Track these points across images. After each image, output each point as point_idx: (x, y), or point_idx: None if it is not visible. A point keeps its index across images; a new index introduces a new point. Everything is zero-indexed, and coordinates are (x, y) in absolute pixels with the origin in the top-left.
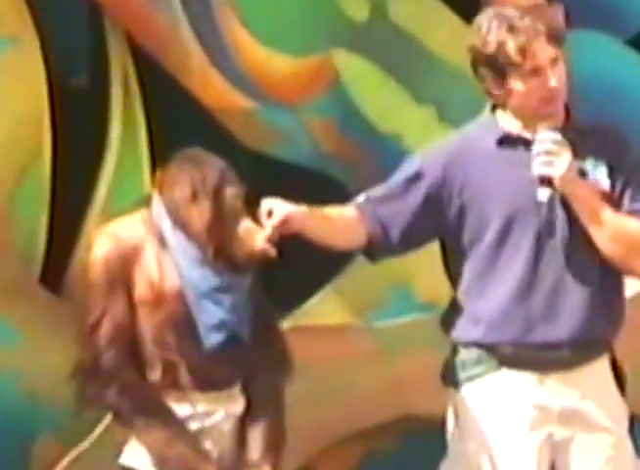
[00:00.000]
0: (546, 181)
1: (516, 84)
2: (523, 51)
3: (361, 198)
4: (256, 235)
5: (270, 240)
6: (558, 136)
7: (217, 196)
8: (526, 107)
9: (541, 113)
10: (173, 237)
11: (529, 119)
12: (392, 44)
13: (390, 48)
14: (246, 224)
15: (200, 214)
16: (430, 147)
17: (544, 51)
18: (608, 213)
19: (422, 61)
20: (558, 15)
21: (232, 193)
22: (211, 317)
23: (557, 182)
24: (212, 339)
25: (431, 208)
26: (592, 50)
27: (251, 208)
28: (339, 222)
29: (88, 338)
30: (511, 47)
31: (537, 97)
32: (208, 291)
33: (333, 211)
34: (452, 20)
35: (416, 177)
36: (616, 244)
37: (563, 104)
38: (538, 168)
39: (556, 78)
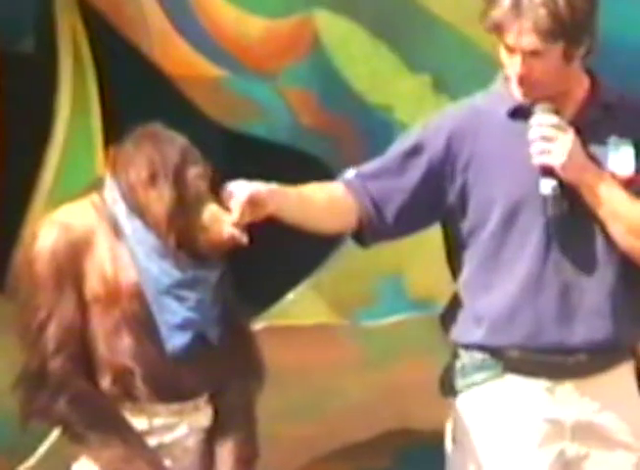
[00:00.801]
0: (548, 171)
1: (501, 51)
2: (498, 26)
3: (351, 173)
4: (224, 221)
5: (239, 224)
6: (555, 119)
7: (179, 178)
8: (512, 85)
9: (522, 96)
10: (129, 225)
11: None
12: (382, 2)
13: (380, 7)
14: (212, 210)
15: (159, 199)
16: (432, 117)
17: (523, 38)
18: (624, 203)
19: (417, 22)
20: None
21: (196, 174)
22: (174, 316)
23: (558, 171)
24: (176, 340)
25: (431, 185)
26: (623, 6)
27: (220, 191)
28: (323, 202)
29: (34, 341)
30: (491, 15)
31: (512, 75)
32: (170, 286)
33: (316, 188)
34: None
35: (415, 150)
36: (634, 237)
37: (549, 91)
38: (536, 157)
39: (529, 69)
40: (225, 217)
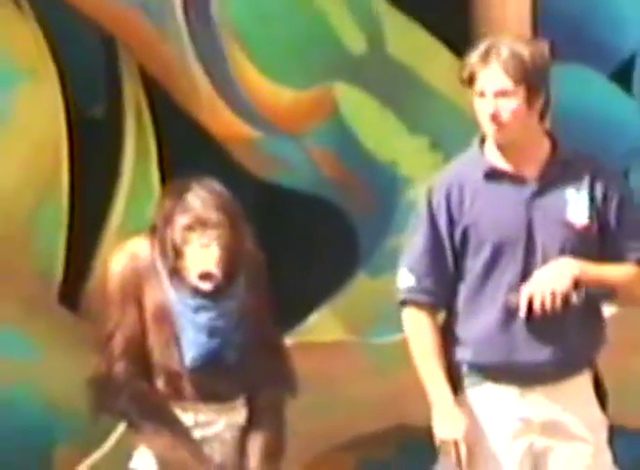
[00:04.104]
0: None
1: (475, 102)
2: (471, 74)
3: (409, 280)
4: (190, 268)
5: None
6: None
7: (165, 225)
8: (484, 128)
9: (493, 137)
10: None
11: (503, 151)
12: (389, 76)
13: (387, 80)
14: (192, 249)
15: (157, 242)
16: (430, 186)
17: (492, 80)
18: (601, 273)
19: (417, 92)
20: (538, 55)
21: (185, 222)
22: (187, 337)
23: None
24: (188, 357)
25: (451, 241)
26: (578, 83)
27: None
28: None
29: (103, 348)
30: (465, 66)
31: (485, 118)
32: (187, 310)
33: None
34: (445, 53)
35: (433, 230)
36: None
37: (531, 133)
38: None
39: (498, 108)
40: (203, 257)
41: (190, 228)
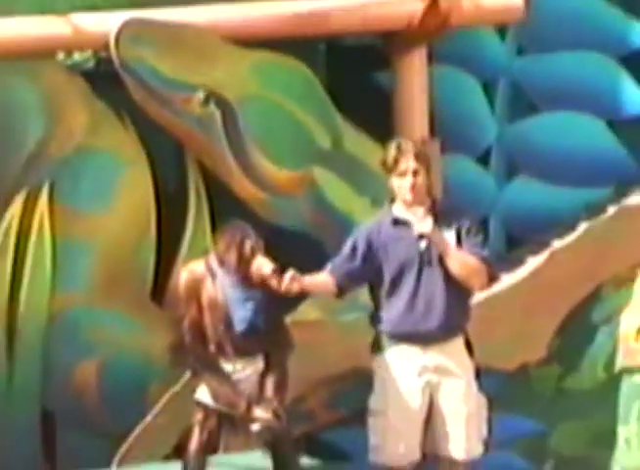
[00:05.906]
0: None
1: (395, 181)
2: (395, 161)
3: (329, 266)
4: (263, 267)
5: (275, 272)
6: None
7: (240, 246)
8: (401, 196)
9: (411, 200)
10: (219, 271)
11: (409, 206)
12: (346, 162)
13: (345, 165)
14: (257, 262)
15: (232, 258)
16: (360, 228)
17: (408, 164)
18: (456, 252)
19: (363, 172)
20: (431, 146)
21: (250, 244)
22: (239, 315)
23: (428, 233)
24: (239, 327)
25: (365, 263)
26: (456, 166)
27: (268, 252)
28: (320, 284)
29: (176, 327)
30: (391, 158)
31: (405, 189)
32: (238, 300)
33: (318, 277)
34: (378, 146)
35: (354, 249)
36: (461, 270)
37: (425, 194)
38: (418, 230)
39: (413, 181)
40: (265, 265)
41: (255, 249)
